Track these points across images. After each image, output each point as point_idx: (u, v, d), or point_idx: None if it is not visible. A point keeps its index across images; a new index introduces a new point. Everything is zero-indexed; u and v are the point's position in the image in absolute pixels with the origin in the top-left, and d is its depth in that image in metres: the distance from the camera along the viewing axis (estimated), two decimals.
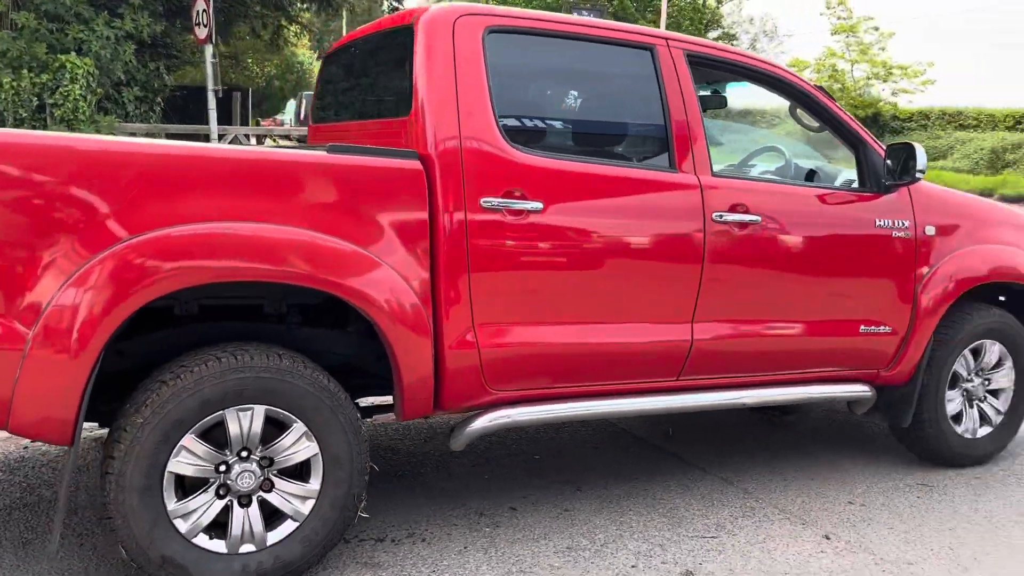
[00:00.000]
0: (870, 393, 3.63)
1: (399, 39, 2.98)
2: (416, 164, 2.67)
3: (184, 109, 11.54)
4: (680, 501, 3.38)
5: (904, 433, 3.80)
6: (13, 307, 2.22)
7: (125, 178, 2.32)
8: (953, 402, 3.80)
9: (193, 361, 2.44)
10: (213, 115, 9.53)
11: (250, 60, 24.90)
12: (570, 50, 3.07)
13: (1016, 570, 2.94)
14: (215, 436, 2.48)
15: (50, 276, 2.24)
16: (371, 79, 3.36)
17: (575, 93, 3.25)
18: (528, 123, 2.99)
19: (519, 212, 2.78)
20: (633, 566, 2.84)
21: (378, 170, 2.64)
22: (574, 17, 3.09)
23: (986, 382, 3.89)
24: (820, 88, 3.51)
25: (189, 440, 2.43)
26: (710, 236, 3.09)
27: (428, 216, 2.67)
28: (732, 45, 53.44)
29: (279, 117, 32.83)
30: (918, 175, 3.38)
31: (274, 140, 11.79)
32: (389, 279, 2.60)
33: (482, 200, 2.72)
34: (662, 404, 3.18)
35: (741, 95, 4.06)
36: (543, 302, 2.88)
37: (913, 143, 3.36)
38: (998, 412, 3.92)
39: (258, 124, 20.54)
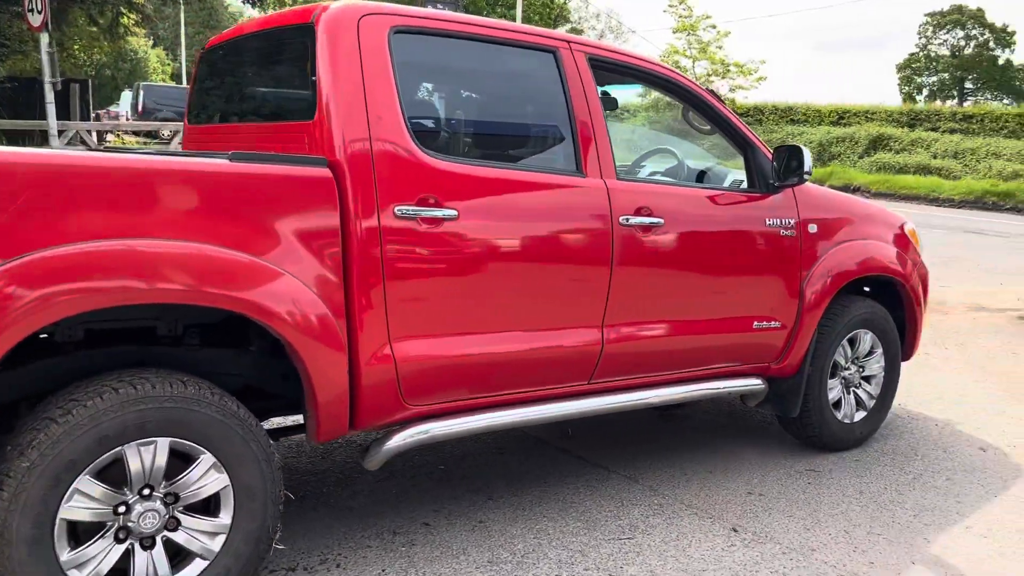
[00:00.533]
0: (763, 386, 3.77)
1: (297, 37, 2.81)
2: (326, 172, 2.52)
3: (15, 102, 10.56)
4: (591, 503, 3.39)
5: (791, 422, 3.97)
6: None
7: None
8: (834, 390, 4.01)
9: (86, 394, 2.20)
10: (51, 109, 8.74)
11: (77, 48, 23.21)
12: (476, 52, 2.99)
13: (906, 547, 3.13)
14: (112, 474, 2.25)
15: None
16: (265, 79, 3.15)
17: (483, 96, 3.17)
18: (438, 127, 2.91)
19: (434, 220, 2.68)
20: (557, 574, 2.82)
21: (286, 179, 2.47)
22: (480, 18, 3.01)
23: (860, 369, 4.13)
24: (711, 92, 3.60)
25: (83, 482, 2.19)
26: (617, 239, 3.10)
27: (340, 226, 2.53)
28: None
29: (113, 109, 30.86)
30: (805, 176, 3.53)
31: (118, 137, 10.95)
32: (299, 293, 2.44)
33: (396, 208, 2.61)
34: (576, 408, 3.17)
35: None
36: (460, 312, 2.79)
37: (800, 146, 3.51)
38: (871, 397, 4.17)
39: (98, 118, 19.16)
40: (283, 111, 2.93)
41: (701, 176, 3.88)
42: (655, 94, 4.28)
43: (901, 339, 4.27)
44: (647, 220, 3.18)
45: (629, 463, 3.82)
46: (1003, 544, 3.20)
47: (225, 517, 2.41)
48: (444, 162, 2.74)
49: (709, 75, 36.36)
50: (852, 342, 4.05)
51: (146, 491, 2.30)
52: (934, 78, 68.89)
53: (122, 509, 2.27)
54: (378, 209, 2.58)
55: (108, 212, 2.18)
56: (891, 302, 4.20)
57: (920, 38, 69.99)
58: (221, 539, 2.41)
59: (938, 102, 65.27)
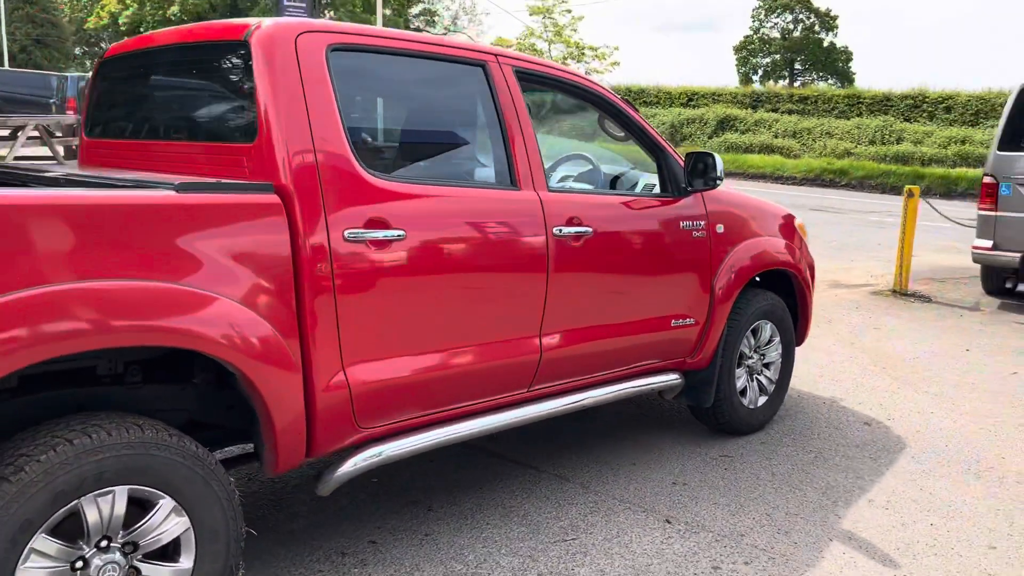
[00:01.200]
0: (681, 380, 3.96)
1: (227, 54, 2.70)
2: (274, 198, 2.45)
3: None
4: (529, 506, 3.47)
5: (705, 411, 4.20)
6: None
7: None
8: (740, 379, 4.26)
9: (36, 447, 2.06)
10: None
11: None
12: (410, 67, 2.97)
13: (821, 525, 3.39)
14: (67, 529, 2.13)
15: None
16: (188, 96, 2.99)
17: (419, 112, 3.15)
18: (380, 146, 2.87)
19: (382, 242, 2.66)
20: None
21: (234, 207, 2.38)
22: (413, 33, 2.98)
23: (762, 357, 4.41)
24: (627, 101, 3.72)
25: (39, 541, 2.06)
26: (552, 250, 3.17)
27: (291, 252, 2.47)
28: (436, 20, 53.79)
29: None
30: (717, 182, 3.72)
31: None
32: (252, 323, 2.37)
33: (345, 232, 2.57)
34: (519, 416, 3.23)
35: None
36: (409, 331, 2.79)
37: (712, 152, 3.69)
38: (771, 382, 4.46)
39: None
40: (216, 131, 2.79)
41: (615, 181, 4.01)
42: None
43: (794, 326, 4.58)
44: (577, 230, 3.27)
45: (557, 462, 3.92)
46: (903, 515, 3.52)
47: (187, 561, 2.33)
48: (388, 182, 2.72)
49: (565, 58, 37.04)
50: (755, 332, 4.31)
51: (103, 543, 2.19)
52: (767, 59, 72.97)
53: (79, 564, 2.15)
54: (328, 233, 2.54)
55: (56, 253, 2.04)
56: (785, 292, 4.50)
57: (754, 21, 73.92)
58: None
59: (771, 82, 69.33)
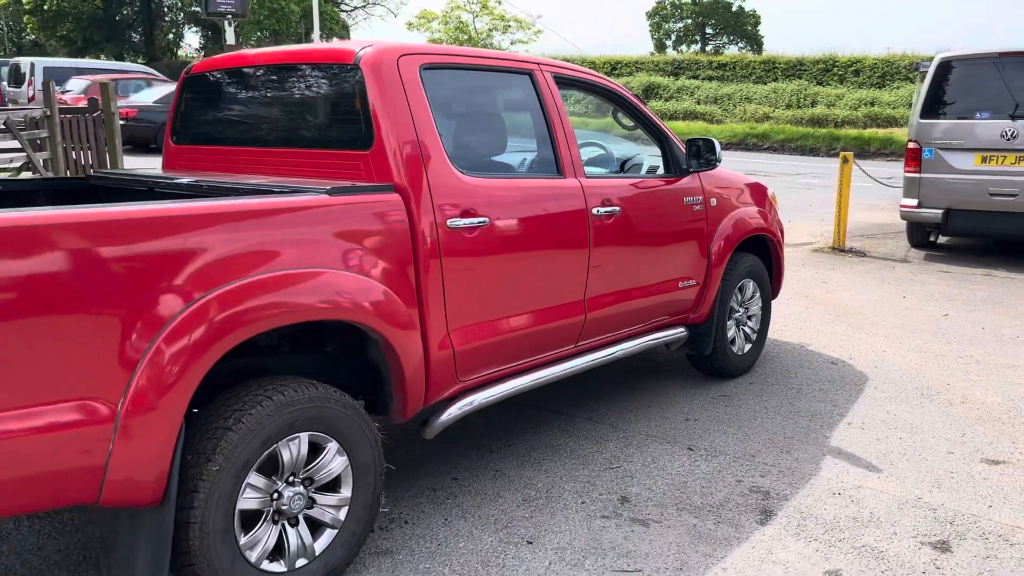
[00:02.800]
0: (685, 332, 4.65)
1: (338, 74, 3.21)
2: (396, 196, 3.00)
3: None
4: (574, 444, 4.11)
5: (703, 359, 4.90)
6: (101, 381, 2.23)
7: (202, 236, 2.42)
8: (731, 330, 4.98)
9: (247, 404, 2.59)
10: None
11: None
12: (477, 78, 3.53)
13: (814, 445, 4.13)
14: (267, 468, 2.67)
15: (130, 347, 2.28)
16: (295, 108, 3.46)
17: (486, 115, 3.70)
18: (462, 147, 3.41)
19: (472, 228, 3.23)
20: (583, 501, 3.53)
21: (373, 204, 2.92)
22: (475, 49, 3.53)
23: (746, 310, 5.13)
24: (637, 96, 4.33)
25: (252, 477, 2.60)
26: (592, 227, 3.79)
27: (410, 239, 3.03)
28: None
29: None
30: (717, 163, 4.39)
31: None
32: (390, 298, 2.92)
33: (448, 221, 3.13)
34: (570, 368, 3.86)
35: None
36: (494, 299, 3.37)
37: (711, 138, 4.35)
38: (754, 331, 5.20)
39: None
40: (331, 140, 3.28)
41: (623, 164, 4.64)
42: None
43: (770, 282, 5.32)
44: (609, 209, 3.89)
45: (585, 408, 4.57)
46: (876, 432, 4.29)
47: (347, 492, 2.89)
48: (472, 178, 3.29)
49: (490, 30, 37.33)
50: (740, 289, 5.03)
51: (291, 478, 2.74)
52: (680, 24, 74.48)
53: (275, 496, 2.70)
54: (436, 223, 3.09)
55: (263, 247, 2.57)
56: (762, 253, 5.22)
57: None
58: (345, 510, 2.89)
59: (684, 47, 70.82)
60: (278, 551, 2.73)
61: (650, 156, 4.65)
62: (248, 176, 3.41)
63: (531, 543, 3.19)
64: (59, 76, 20.20)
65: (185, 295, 2.37)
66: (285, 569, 2.72)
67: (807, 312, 6.62)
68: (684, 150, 4.45)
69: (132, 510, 2.44)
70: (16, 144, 9.87)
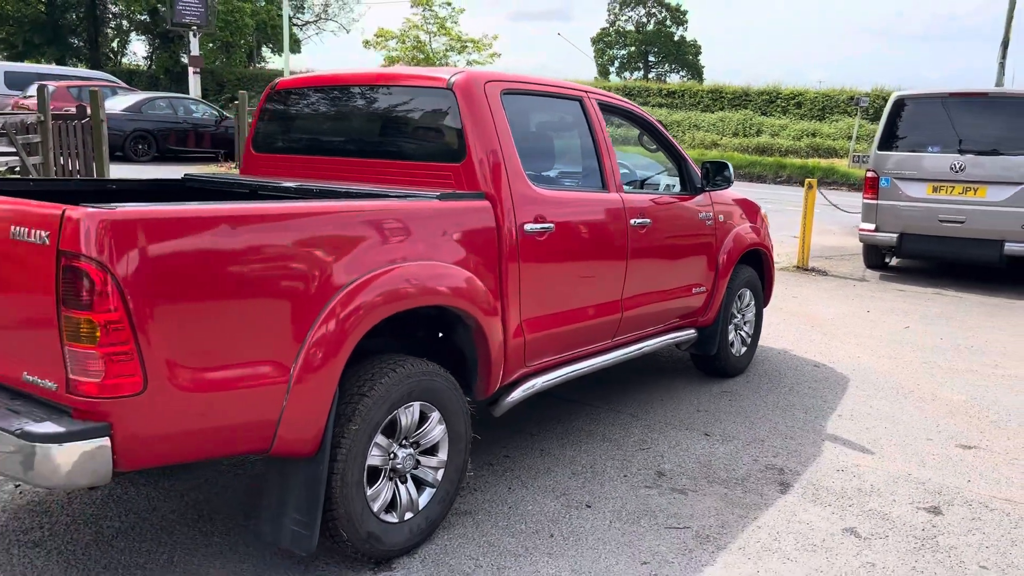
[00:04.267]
0: (695, 334, 5.21)
1: (431, 96, 3.68)
2: (487, 203, 3.48)
3: None
4: (604, 430, 4.61)
5: (707, 359, 5.46)
6: (279, 348, 2.65)
7: (352, 230, 2.87)
8: (731, 333, 5.55)
9: (376, 375, 3.03)
10: None
11: None
12: (542, 103, 4.04)
13: (812, 433, 4.70)
14: (387, 431, 3.10)
15: (303, 318, 2.70)
16: (387, 124, 3.90)
17: (548, 135, 4.20)
18: (532, 162, 3.90)
19: (542, 232, 3.72)
20: (624, 475, 4.02)
21: (469, 209, 3.40)
22: (542, 77, 4.04)
23: (743, 316, 5.72)
24: (660, 123, 4.89)
25: (379, 437, 3.04)
26: (630, 236, 4.32)
27: (496, 239, 3.50)
28: (306, 7, 52.42)
29: None
30: (730, 183, 4.97)
31: None
32: (481, 289, 3.39)
33: (525, 226, 3.62)
34: (608, 359, 4.36)
35: None
36: (555, 295, 3.86)
37: (725, 161, 4.93)
38: (748, 336, 5.79)
39: None
40: (424, 153, 3.73)
41: (642, 182, 5.19)
42: None
43: (762, 292, 5.92)
44: (643, 221, 4.42)
45: (606, 400, 5.08)
46: (864, 422, 4.90)
47: (443, 456, 3.33)
48: (542, 189, 3.78)
49: (447, 50, 37.89)
50: (739, 297, 5.61)
51: (403, 441, 3.18)
52: (624, 51, 76.40)
53: (392, 456, 3.13)
54: (516, 227, 3.58)
55: (398, 240, 3.02)
56: (756, 266, 5.82)
57: (609, 14, 77.20)
58: (441, 471, 3.33)
59: (628, 74, 72.55)
60: (391, 505, 3.16)
61: (663, 175, 5.21)
62: (336, 183, 3.84)
63: (589, 507, 3.68)
64: (21, 81, 20.06)
65: (342, 278, 2.81)
66: (397, 520, 3.15)
67: (785, 323, 7.26)
68: (698, 171, 5.02)
69: (284, 461, 2.85)
70: (8, 148, 10.02)
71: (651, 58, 75.35)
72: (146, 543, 3.23)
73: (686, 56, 74.10)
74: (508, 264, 3.55)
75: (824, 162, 26.97)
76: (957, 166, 8.90)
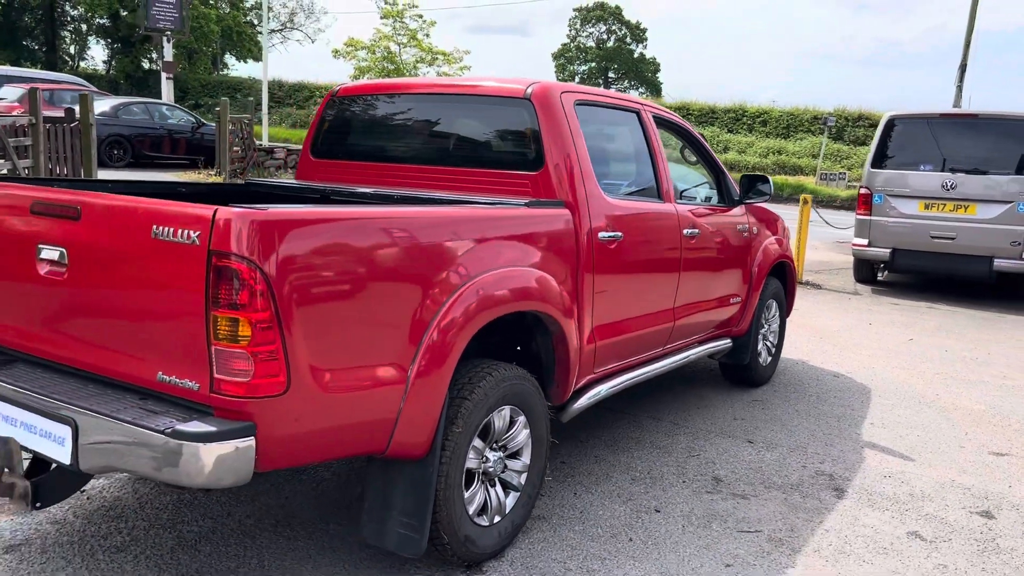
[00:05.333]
0: (730, 343, 5.31)
1: (508, 106, 3.72)
2: (566, 211, 3.53)
3: None
4: (651, 437, 4.67)
5: (738, 368, 5.56)
6: (400, 349, 2.67)
7: (465, 235, 2.91)
8: (760, 342, 5.67)
9: (476, 378, 3.05)
10: None
11: None
12: (607, 114, 4.10)
13: (849, 440, 4.82)
14: (480, 434, 3.13)
15: (420, 322, 2.72)
16: (460, 132, 3.94)
17: (612, 145, 4.27)
18: (603, 171, 3.96)
19: (613, 240, 3.78)
20: (683, 480, 4.09)
21: (555, 217, 3.45)
22: (605, 89, 4.11)
23: (769, 326, 5.84)
24: (702, 135, 5.00)
25: (476, 441, 3.06)
26: (683, 245, 4.40)
27: (574, 246, 3.56)
28: (271, 16, 52.15)
29: None
30: (768, 195, 5.08)
31: None
32: (562, 295, 3.44)
33: (599, 233, 3.68)
34: (662, 367, 4.43)
35: None
36: (621, 301, 3.92)
37: (765, 175, 5.04)
38: (773, 345, 5.91)
39: None
40: (500, 161, 3.76)
41: (681, 193, 5.28)
42: None
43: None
44: (693, 231, 4.51)
45: (644, 408, 5.14)
46: (896, 430, 5.04)
47: (527, 459, 3.36)
48: (611, 198, 3.85)
49: (417, 62, 37.90)
50: (768, 308, 5.73)
51: (494, 445, 3.20)
52: (584, 67, 77.17)
53: (484, 459, 3.15)
54: (591, 235, 3.64)
55: (495, 246, 3.06)
56: (779, 276, 5.96)
57: (570, 30, 78.00)
58: (524, 475, 3.36)
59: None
60: (482, 508, 3.18)
61: (702, 186, 5.31)
62: (403, 190, 3.87)
63: (658, 511, 3.73)
64: None
65: (456, 281, 2.84)
66: (488, 523, 3.17)
67: (794, 335, 7.41)
68: (736, 183, 5.13)
69: (388, 463, 2.86)
70: None
71: (611, 74, 76.17)
72: (231, 547, 3.20)
73: (645, 73, 75.08)
74: (584, 271, 3.60)
75: (792, 179, 27.50)
76: (948, 184, 9.19)
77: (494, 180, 3.73)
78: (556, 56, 77.31)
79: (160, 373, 2.41)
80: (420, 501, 2.83)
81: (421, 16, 37.89)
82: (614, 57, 75.08)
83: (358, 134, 4.22)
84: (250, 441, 2.30)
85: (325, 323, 2.42)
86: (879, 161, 9.71)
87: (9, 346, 2.85)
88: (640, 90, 74.12)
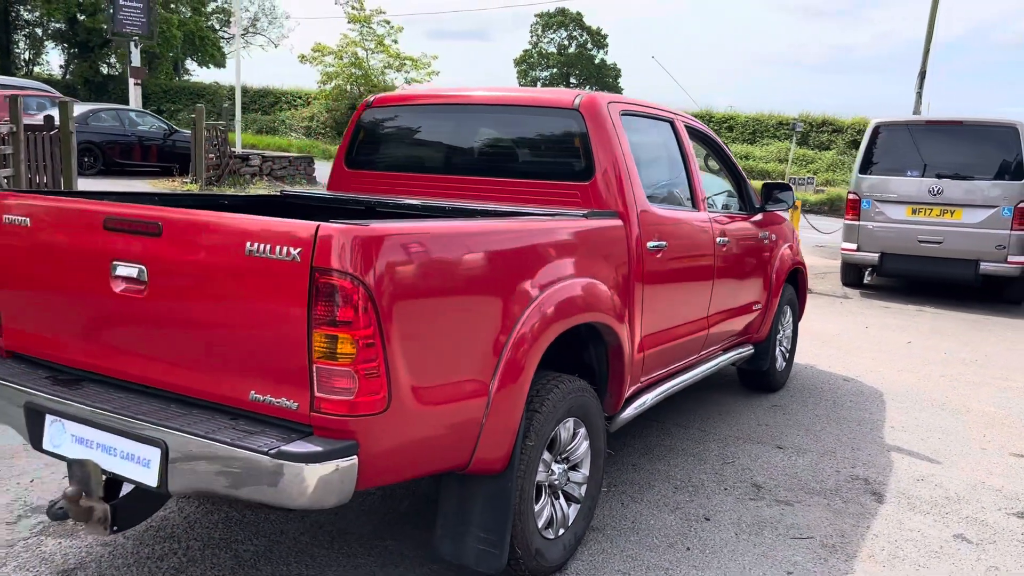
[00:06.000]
0: (752, 350, 5.35)
1: (555, 117, 3.71)
2: (619, 221, 3.54)
3: None
4: (683, 445, 4.69)
5: (757, 374, 5.61)
6: (483, 363, 2.64)
7: (541, 247, 2.91)
8: (776, 348, 5.73)
9: (545, 390, 3.04)
10: None
11: None
12: (648, 124, 4.12)
13: (873, 443, 4.89)
14: (548, 447, 3.11)
15: (499, 335, 2.70)
16: (505, 142, 3.92)
17: (653, 156, 4.28)
18: (646, 182, 3.97)
19: (660, 250, 3.79)
20: (724, 488, 4.11)
21: (610, 227, 3.45)
22: (645, 100, 4.12)
23: (784, 332, 5.90)
24: (725, 144, 5.04)
25: (545, 453, 3.05)
26: (716, 254, 4.43)
27: (627, 258, 3.56)
28: (231, 20, 51.78)
29: None
30: (790, 204, 5.14)
31: None
32: (618, 304, 3.44)
33: (648, 243, 3.69)
34: (697, 374, 4.45)
35: None
36: (666, 310, 3.93)
37: (787, 183, 5.10)
38: (787, 350, 5.97)
39: None
40: (549, 172, 3.74)
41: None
42: None
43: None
44: (724, 239, 4.55)
45: (669, 416, 5.16)
46: (918, 433, 5.12)
47: (586, 471, 3.35)
48: (656, 208, 3.86)
49: (385, 67, 37.72)
50: (783, 314, 5.79)
51: (559, 457, 3.19)
52: (546, 73, 77.48)
53: (551, 471, 3.14)
54: (640, 244, 3.64)
55: (563, 257, 3.05)
56: (792, 282, 6.03)
57: (532, 36, 78.28)
58: (584, 487, 3.35)
59: None
60: (549, 521, 3.16)
61: (722, 194, 5.35)
62: (447, 201, 3.84)
63: (708, 519, 3.74)
64: None
65: (532, 293, 2.82)
66: (553, 536, 3.15)
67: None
68: (757, 191, 5.19)
69: (465, 479, 2.83)
70: None
71: (573, 80, 76.54)
72: (291, 566, 3.15)
73: (606, 79, 75.58)
74: (635, 281, 3.61)
75: (757, 183, 27.84)
76: (935, 189, 9.38)
77: (541, 191, 3.73)
78: (519, 62, 77.50)
79: (253, 392, 2.36)
80: (499, 516, 2.81)
81: (388, 22, 37.70)
82: (575, 63, 75.46)
83: (396, 144, 4.18)
84: (353, 460, 2.26)
85: (420, 338, 2.39)
86: (866, 167, 9.88)
87: (75, 365, 2.77)
88: None
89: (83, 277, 2.65)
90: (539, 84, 76.17)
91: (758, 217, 5.22)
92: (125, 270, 2.54)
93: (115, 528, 2.67)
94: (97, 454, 2.51)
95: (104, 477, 2.49)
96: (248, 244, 2.30)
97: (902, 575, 3.33)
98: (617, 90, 74.70)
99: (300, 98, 41.28)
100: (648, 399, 3.94)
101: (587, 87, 75.67)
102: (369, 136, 4.22)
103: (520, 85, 75.97)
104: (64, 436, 2.60)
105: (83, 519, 2.49)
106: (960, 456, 4.76)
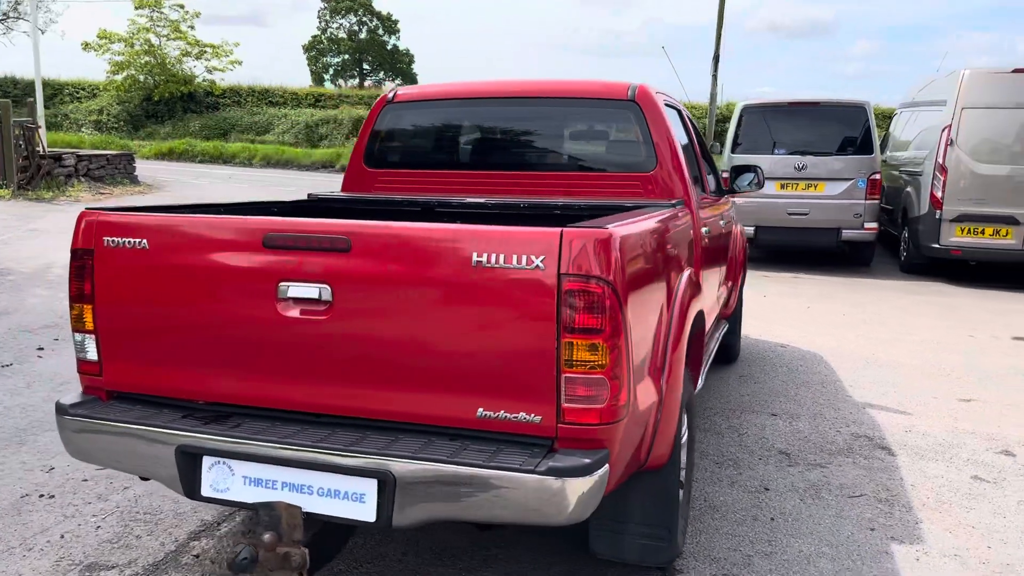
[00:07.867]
0: (728, 325, 5.62)
1: (610, 108, 3.72)
2: (686, 209, 3.62)
3: None
4: (702, 424, 4.86)
5: (725, 348, 5.89)
6: (657, 358, 2.64)
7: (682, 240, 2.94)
8: (740, 322, 6.05)
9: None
10: None
11: None
12: (673, 115, 4.20)
13: (851, 407, 5.31)
14: None
15: (664, 325, 2.71)
16: (555, 136, 3.84)
17: (681, 143, 4.36)
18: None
19: (705, 236, 3.92)
20: (758, 458, 4.33)
21: (686, 215, 3.51)
22: (671, 96, 4.21)
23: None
24: (702, 130, 5.23)
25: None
26: (721, 234, 4.63)
27: (693, 246, 3.65)
28: None
29: None
30: (761, 186, 5.43)
31: None
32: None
33: (703, 228, 3.80)
34: (713, 349, 4.63)
35: None
36: (707, 295, 4.06)
37: (757, 165, 5.38)
38: (738, 322, 6.33)
39: None
40: (608, 163, 3.73)
41: None
42: None
43: None
44: (720, 221, 4.75)
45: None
46: (876, 389, 5.60)
47: (686, 459, 3.42)
48: (700, 195, 3.98)
49: (184, 54, 35.47)
50: None
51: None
52: (338, 59, 75.93)
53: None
54: (700, 227, 3.75)
55: (682, 249, 3.08)
56: None
57: (320, 21, 76.38)
58: (685, 472, 3.41)
59: (341, 81, 72.30)
60: None
61: (708, 177, 5.55)
62: (489, 196, 3.75)
63: (768, 490, 3.93)
64: None
65: (674, 288, 2.85)
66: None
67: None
68: (725, 173, 5.45)
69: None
70: None
71: (365, 66, 75.48)
72: None
73: (400, 64, 75.14)
74: (697, 267, 3.70)
75: None
76: (800, 165, 10.20)
77: (597, 183, 3.73)
78: (308, 48, 75.17)
79: (481, 409, 2.23)
80: (665, 509, 2.82)
81: (183, 6, 35.40)
82: (367, 49, 74.33)
83: (425, 140, 4.02)
84: (606, 469, 2.20)
85: (636, 340, 2.36)
86: (736, 147, 10.56)
87: (215, 399, 2.48)
88: (397, 81, 73.98)
89: (235, 302, 2.37)
90: (331, 71, 74.41)
91: (727, 199, 5.48)
92: (300, 290, 2.30)
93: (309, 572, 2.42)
94: (284, 494, 2.28)
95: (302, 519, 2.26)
96: (474, 255, 2.17)
97: (959, 519, 3.67)
98: (412, 77, 74.44)
99: (84, 89, 37.94)
100: (700, 379, 4.06)
101: (383, 73, 74.88)
102: (392, 133, 4.02)
103: (312, 71, 73.82)
104: (231, 479, 2.33)
105: (278, 567, 2.25)
106: (922, 406, 5.28)
